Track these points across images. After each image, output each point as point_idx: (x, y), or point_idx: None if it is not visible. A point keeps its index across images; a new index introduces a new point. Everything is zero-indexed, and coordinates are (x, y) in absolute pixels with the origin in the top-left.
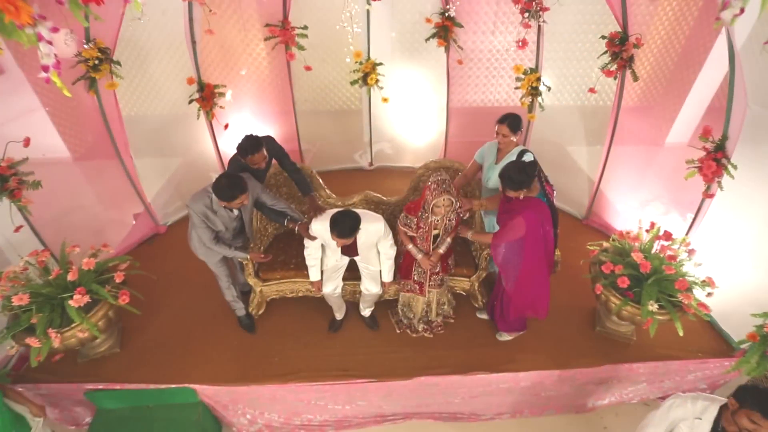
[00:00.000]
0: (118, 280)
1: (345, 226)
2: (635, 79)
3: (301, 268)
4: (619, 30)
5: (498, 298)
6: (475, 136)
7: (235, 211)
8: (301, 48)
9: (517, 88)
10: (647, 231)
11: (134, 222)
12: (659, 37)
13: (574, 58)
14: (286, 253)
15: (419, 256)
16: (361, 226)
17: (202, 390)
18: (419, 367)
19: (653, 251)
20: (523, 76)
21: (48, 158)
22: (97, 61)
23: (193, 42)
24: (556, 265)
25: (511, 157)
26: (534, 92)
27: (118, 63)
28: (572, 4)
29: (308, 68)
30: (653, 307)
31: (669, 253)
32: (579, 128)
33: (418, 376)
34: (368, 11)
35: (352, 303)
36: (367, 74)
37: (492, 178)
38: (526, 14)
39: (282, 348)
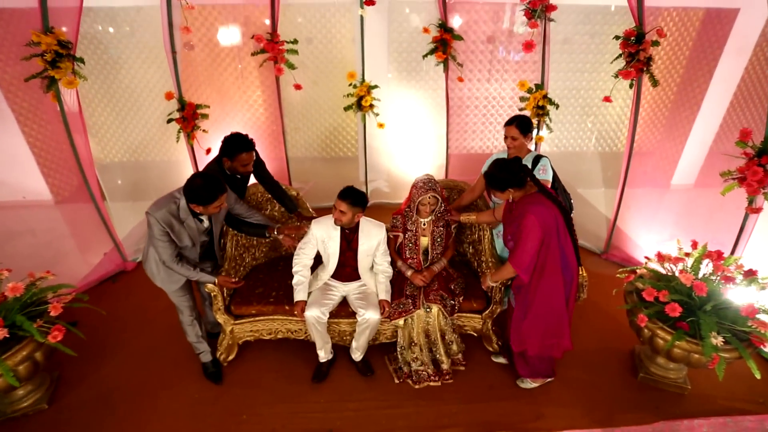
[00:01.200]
0: (53, 314)
1: (354, 191)
2: (654, 84)
3: (282, 301)
4: (635, 26)
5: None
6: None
7: (206, 222)
8: (291, 66)
9: (522, 109)
10: (687, 255)
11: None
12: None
13: (584, 69)
14: (266, 285)
15: (409, 273)
16: (363, 223)
17: None
18: (425, 427)
19: (700, 275)
20: (528, 95)
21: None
22: (56, 56)
23: (173, 52)
24: (581, 290)
25: (527, 163)
26: (541, 112)
27: (81, 60)
28: (579, 4)
29: (298, 87)
30: (717, 340)
31: (725, 273)
32: (590, 171)
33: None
34: (362, 25)
35: (340, 347)
36: (361, 98)
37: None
38: (533, 14)
39: (253, 403)
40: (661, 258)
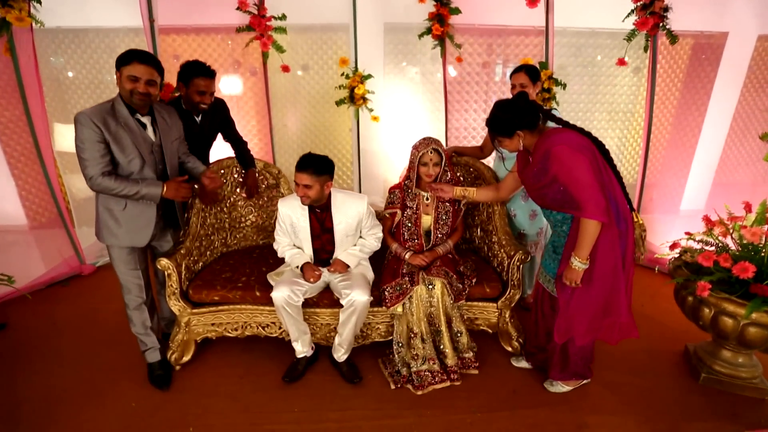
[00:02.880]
0: None
1: (315, 157)
2: (673, 41)
3: (252, 287)
4: None
5: (542, 328)
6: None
7: (150, 129)
8: (279, 49)
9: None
10: (741, 217)
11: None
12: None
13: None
14: (235, 270)
15: (407, 255)
16: (335, 195)
17: None
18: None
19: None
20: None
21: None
22: None
23: (151, 20)
24: (639, 246)
25: None
26: (547, 95)
27: (39, 1)
28: None
29: (286, 68)
30: None
31: None
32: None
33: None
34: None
35: (322, 348)
36: (354, 89)
37: (509, 156)
38: None
39: (204, 412)
40: (711, 223)
